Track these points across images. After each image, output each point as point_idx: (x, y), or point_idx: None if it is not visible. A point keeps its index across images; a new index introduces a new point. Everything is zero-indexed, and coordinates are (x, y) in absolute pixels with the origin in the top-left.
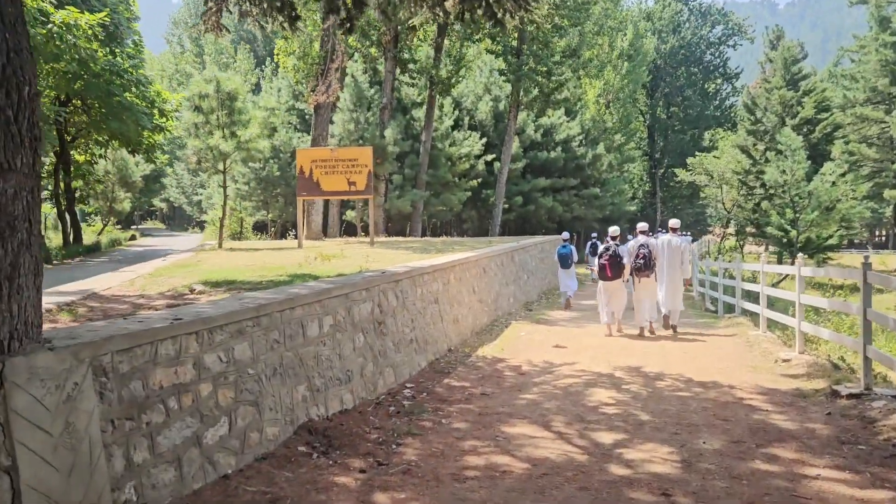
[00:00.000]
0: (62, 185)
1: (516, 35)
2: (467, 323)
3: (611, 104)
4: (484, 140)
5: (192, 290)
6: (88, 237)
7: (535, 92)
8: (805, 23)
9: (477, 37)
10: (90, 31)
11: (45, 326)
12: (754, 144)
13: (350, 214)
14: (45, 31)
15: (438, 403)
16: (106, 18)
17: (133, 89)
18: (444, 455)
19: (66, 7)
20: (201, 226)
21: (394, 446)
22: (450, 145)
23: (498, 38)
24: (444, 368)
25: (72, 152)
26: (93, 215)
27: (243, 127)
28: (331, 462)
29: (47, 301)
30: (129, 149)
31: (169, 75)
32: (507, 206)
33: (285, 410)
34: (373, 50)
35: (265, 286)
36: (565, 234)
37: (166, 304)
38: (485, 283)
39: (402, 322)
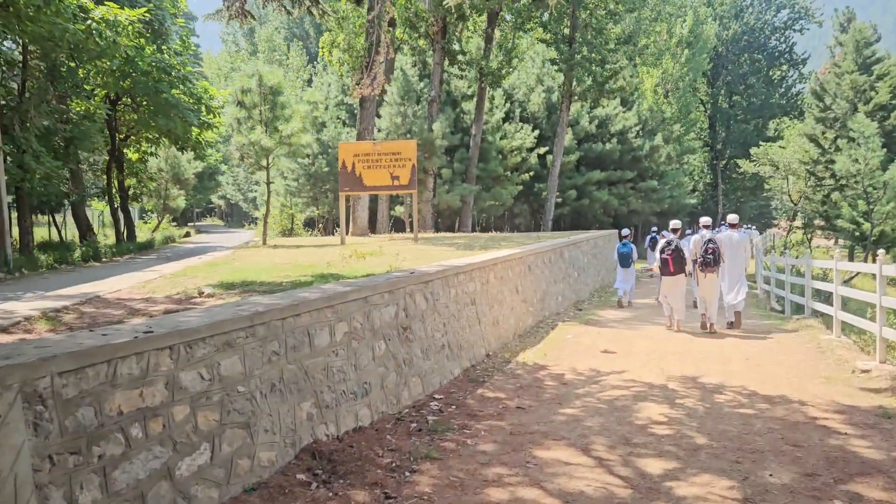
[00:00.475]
0: (115, 182)
1: (568, 23)
2: (509, 325)
3: (669, 93)
4: (536, 132)
5: (201, 293)
6: (143, 234)
7: (589, 81)
8: (875, 7)
9: (528, 26)
10: (131, 28)
11: (8, 339)
12: (823, 133)
13: (399, 210)
14: (83, 28)
15: (467, 419)
16: (147, 14)
17: (180, 86)
18: (464, 486)
19: (106, 3)
20: (256, 222)
21: (407, 473)
22: (501, 138)
23: (549, 27)
24: (480, 376)
25: (125, 150)
26: (150, 212)
27: (286, 122)
28: (331, 494)
29: (38, 306)
30: (178, 146)
31: (225, 74)
32: (560, 200)
33: (285, 431)
34: (421, 42)
35: (284, 288)
36: (625, 231)
37: (164, 311)
38: (530, 282)
39: (432, 326)
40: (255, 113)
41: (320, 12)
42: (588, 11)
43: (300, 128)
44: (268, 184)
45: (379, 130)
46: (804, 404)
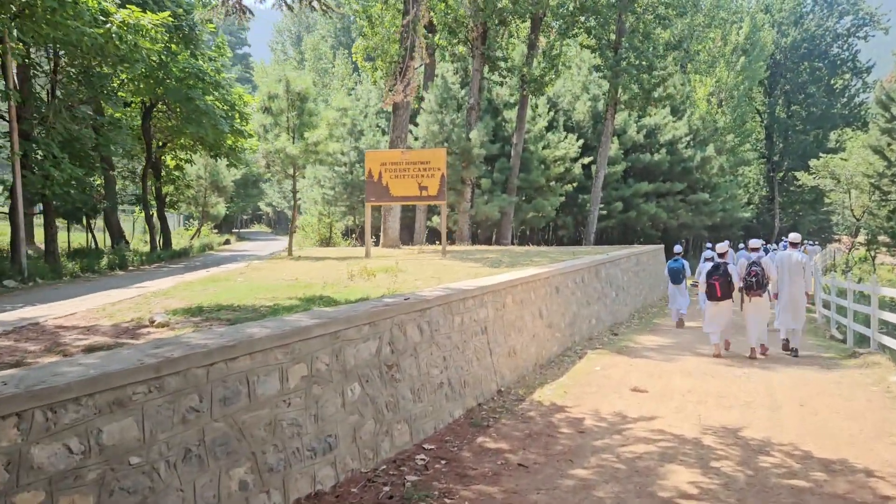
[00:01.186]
0: (153, 190)
1: (614, 28)
2: (529, 354)
3: (723, 102)
4: (581, 142)
5: (151, 322)
6: (183, 241)
7: (635, 89)
8: None
9: (573, 32)
10: (154, 31)
11: None
12: (889, 144)
13: (436, 220)
14: (102, 31)
15: (454, 481)
16: (169, 19)
17: (213, 92)
18: None
19: (129, 6)
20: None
21: None
22: (543, 147)
23: (594, 32)
24: (485, 419)
25: (163, 157)
26: (193, 219)
27: (312, 129)
28: None
29: None
30: (212, 154)
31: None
32: (605, 212)
33: None
34: (460, 48)
35: (261, 314)
36: (678, 248)
37: (89, 346)
38: (557, 305)
39: (427, 361)
40: (281, 119)
41: (323, 7)
42: (636, 16)
43: (326, 135)
44: (293, 192)
45: (416, 139)
46: (871, 474)
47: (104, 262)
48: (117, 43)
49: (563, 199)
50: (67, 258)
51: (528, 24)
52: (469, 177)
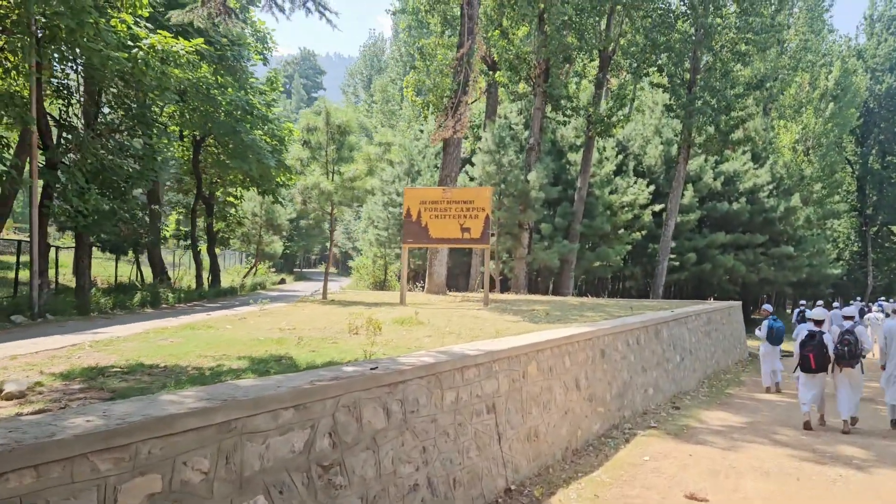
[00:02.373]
0: (204, 225)
1: (689, 66)
2: (557, 437)
3: (810, 151)
4: (652, 188)
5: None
6: (234, 279)
7: (711, 130)
8: None
9: (644, 70)
10: (185, 59)
11: None
12: None
13: (501, 267)
14: (127, 56)
15: None
16: (205, 46)
17: (263, 126)
18: None
19: (160, 32)
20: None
21: None
22: (610, 192)
23: (667, 69)
24: None
25: (215, 193)
26: (250, 257)
27: (350, 163)
28: None
29: None
30: (260, 190)
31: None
32: (677, 263)
33: None
34: (521, 86)
35: (180, 381)
36: (768, 307)
37: None
38: (602, 372)
39: (395, 455)
40: (320, 154)
41: (319, 10)
42: (712, 52)
43: (364, 171)
44: (331, 232)
45: (472, 179)
46: None
47: (136, 298)
48: (143, 69)
49: (630, 247)
50: (103, 293)
51: (595, 62)
52: (527, 221)
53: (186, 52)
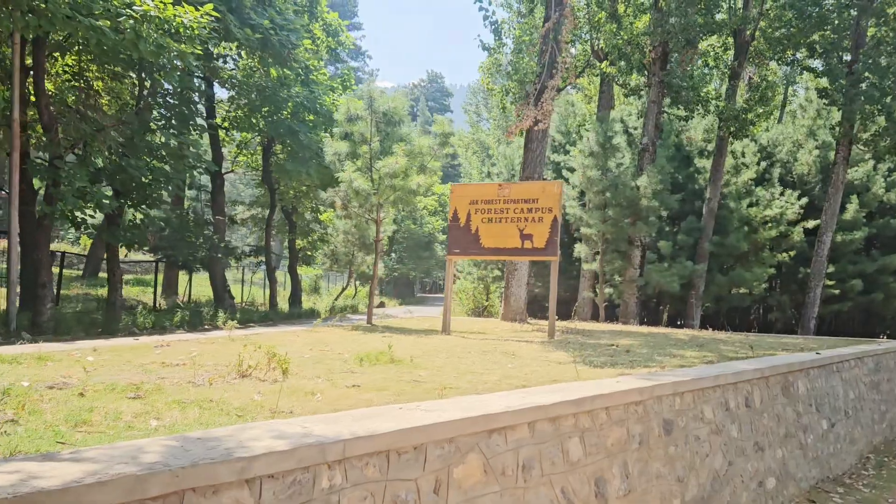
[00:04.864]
0: (285, 243)
1: (848, 43)
2: None
3: None
4: (804, 200)
5: None
6: (322, 302)
7: (882, 121)
8: None
9: (789, 55)
10: (195, 30)
11: None
12: None
13: (608, 291)
14: (110, 24)
15: None
16: (214, 13)
17: (331, 128)
18: None
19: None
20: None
21: None
22: (748, 205)
23: (820, 48)
24: None
25: (300, 208)
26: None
27: (390, 156)
28: None
29: None
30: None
31: (465, 144)
32: (836, 291)
33: None
34: (633, 77)
35: None
36: None
37: None
38: (663, 462)
39: None
40: (363, 149)
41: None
42: (883, 21)
43: (404, 166)
44: (376, 242)
45: (573, 188)
46: None
47: (177, 317)
48: (135, 41)
49: (772, 270)
50: (148, 311)
51: (730, 52)
52: (637, 235)
53: (192, 22)
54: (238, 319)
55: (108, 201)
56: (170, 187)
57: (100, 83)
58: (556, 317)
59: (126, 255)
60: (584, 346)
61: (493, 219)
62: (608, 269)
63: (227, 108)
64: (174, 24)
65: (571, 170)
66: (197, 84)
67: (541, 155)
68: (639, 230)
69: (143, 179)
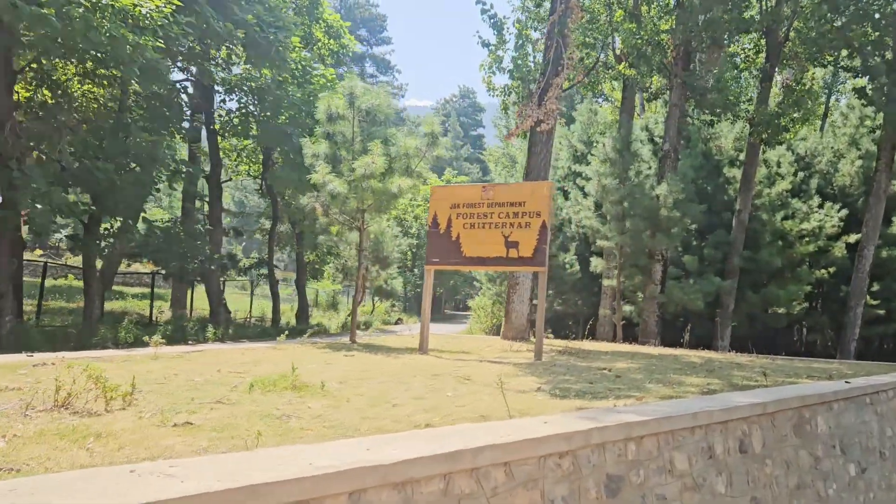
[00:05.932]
0: (294, 256)
1: (890, 41)
2: None
3: None
4: (844, 212)
5: None
6: (335, 318)
7: None
8: None
9: (827, 57)
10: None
11: None
12: None
13: (627, 309)
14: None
15: None
16: (177, 1)
17: None
18: None
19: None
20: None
21: None
22: (783, 218)
23: (860, 44)
24: None
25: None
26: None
27: (365, 156)
28: None
29: None
30: None
31: (495, 159)
32: (882, 311)
33: None
34: (654, 79)
35: None
36: None
37: None
38: None
39: None
40: (343, 152)
41: None
42: None
43: (382, 167)
44: (359, 251)
45: (585, 196)
46: None
47: (157, 332)
48: (84, 31)
49: (809, 288)
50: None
51: (761, 57)
52: (657, 249)
53: (156, 12)
54: (230, 335)
55: (68, 205)
56: (140, 194)
57: (76, 83)
58: (572, 335)
59: (128, 266)
60: (570, 370)
61: (475, 224)
62: (627, 285)
63: (222, 114)
64: (133, 13)
65: (587, 178)
66: (184, 87)
67: (546, 159)
68: (659, 243)
69: (116, 183)
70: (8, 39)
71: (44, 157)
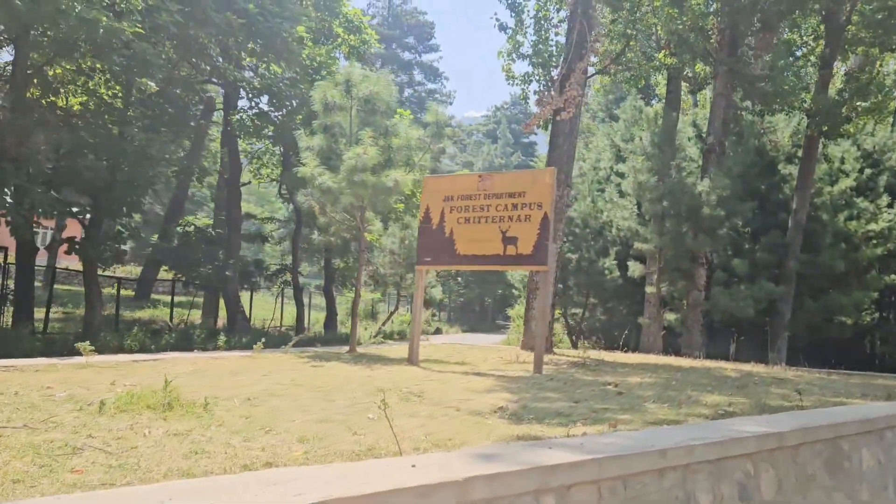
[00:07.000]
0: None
1: None
2: None
3: None
4: None
5: None
6: (372, 326)
7: None
8: None
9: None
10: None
11: None
12: None
13: (668, 318)
14: None
15: None
16: None
17: None
18: None
19: None
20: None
21: None
22: (846, 219)
23: None
24: None
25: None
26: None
27: (357, 146)
28: None
29: None
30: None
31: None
32: None
33: None
34: (697, 67)
35: None
36: None
37: None
38: None
39: None
40: (342, 145)
41: None
42: None
43: (375, 159)
44: (360, 253)
45: (623, 195)
46: None
47: (164, 340)
48: (53, 15)
49: (876, 295)
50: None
51: (820, 44)
52: (700, 251)
53: None
54: (242, 343)
55: (50, 204)
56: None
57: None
58: (602, 344)
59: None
60: (565, 385)
61: (470, 219)
62: (667, 291)
63: (237, 114)
64: None
65: (622, 175)
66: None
67: (570, 153)
68: (702, 244)
69: (110, 183)
70: None
71: (21, 155)
